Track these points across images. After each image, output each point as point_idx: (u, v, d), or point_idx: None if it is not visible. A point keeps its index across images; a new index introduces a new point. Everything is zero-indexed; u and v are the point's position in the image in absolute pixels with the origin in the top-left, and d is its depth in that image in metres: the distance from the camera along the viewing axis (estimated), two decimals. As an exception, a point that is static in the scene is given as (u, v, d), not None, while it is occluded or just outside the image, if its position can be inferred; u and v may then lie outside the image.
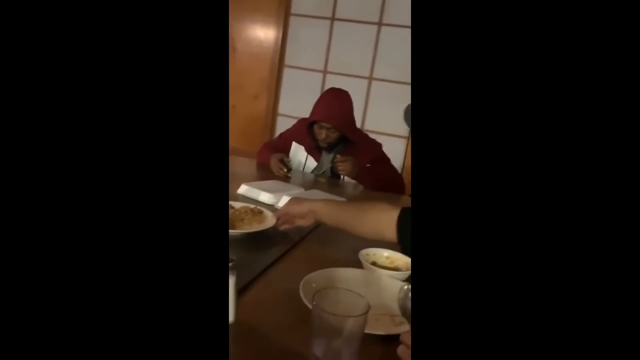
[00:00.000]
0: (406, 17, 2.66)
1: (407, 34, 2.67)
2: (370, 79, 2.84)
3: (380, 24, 2.75)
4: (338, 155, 1.76)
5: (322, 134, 1.80)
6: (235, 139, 2.90)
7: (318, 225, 1.16)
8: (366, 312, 0.58)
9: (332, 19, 2.81)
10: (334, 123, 1.76)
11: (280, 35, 2.87)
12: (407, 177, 2.18)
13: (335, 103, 1.79)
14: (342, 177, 1.85)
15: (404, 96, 2.79)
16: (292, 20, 2.87)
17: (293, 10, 2.84)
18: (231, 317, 0.67)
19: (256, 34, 2.82)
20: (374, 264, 0.95)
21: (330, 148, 1.86)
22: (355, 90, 1.99)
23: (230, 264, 0.64)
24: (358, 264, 0.95)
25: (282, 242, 1.06)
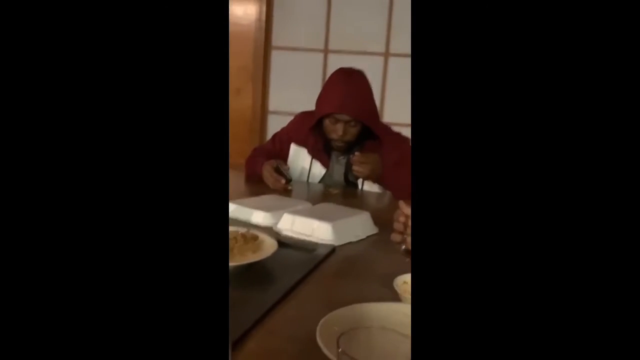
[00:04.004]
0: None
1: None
2: (387, 55, 2.87)
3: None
4: (356, 153, 1.79)
5: (339, 129, 1.82)
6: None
7: (333, 250, 1.20)
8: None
9: (330, -16, 2.86)
10: (354, 114, 1.79)
11: (264, 7, 2.96)
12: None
13: (352, 87, 1.81)
14: (360, 185, 1.92)
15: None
16: (280, -10, 2.95)
17: (281, -25, 2.93)
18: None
19: (232, 9, 2.86)
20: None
21: (348, 148, 1.89)
22: (368, 72, 2.00)
23: None
24: (393, 297, 0.95)
25: (287, 274, 1.06)
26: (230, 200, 1.46)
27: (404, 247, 1.09)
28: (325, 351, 0.72)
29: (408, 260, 1.04)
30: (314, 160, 1.99)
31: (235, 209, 1.45)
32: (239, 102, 3.08)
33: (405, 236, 1.08)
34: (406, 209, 1.07)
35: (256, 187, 1.84)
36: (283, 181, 1.80)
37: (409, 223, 1.06)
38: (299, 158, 2.01)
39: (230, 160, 1.75)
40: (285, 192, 1.79)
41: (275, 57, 3.10)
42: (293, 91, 3.06)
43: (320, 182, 2.00)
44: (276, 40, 3.08)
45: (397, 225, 1.10)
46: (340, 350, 0.58)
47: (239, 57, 2.98)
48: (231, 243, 1.15)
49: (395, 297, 0.95)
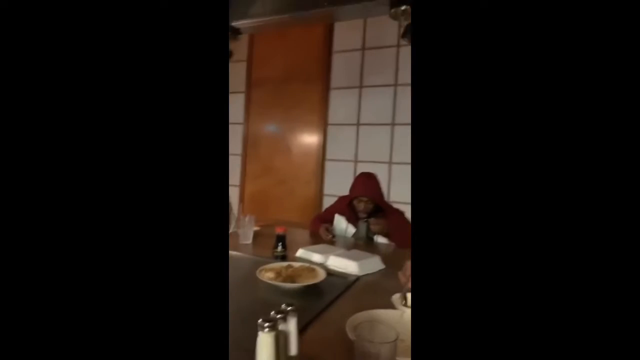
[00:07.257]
0: (407, 119, 3.70)
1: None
2: (390, 163, 3.88)
3: (393, 124, 4.01)
4: (372, 219, 2.35)
5: (361, 205, 2.38)
6: (294, 215, 4.18)
7: (357, 279, 1.53)
8: (396, 340, 0.72)
9: (358, 124, 4.21)
10: (369, 196, 2.36)
11: (322, 138, 4.33)
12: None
13: (369, 182, 2.39)
14: (375, 239, 2.40)
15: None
16: (330, 128, 4.36)
17: (330, 120, 4.33)
18: (294, 351, 0.79)
19: (305, 138, 4.31)
20: (405, 304, 1.19)
21: (367, 216, 2.40)
22: (380, 172, 2.91)
23: (292, 308, 0.79)
24: (392, 306, 1.19)
25: (332, 291, 1.34)
26: (300, 247, 1.88)
27: (405, 288, 1.21)
28: (350, 334, 0.92)
29: (406, 291, 1.21)
30: (349, 224, 2.45)
31: (303, 253, 1.83)
32: (308, 189, 4.23)
33: (407, 282, 1.20)
34: (408, 270, 1.19)
35: (315, 239, 2.29)
36: (330, 236, 2.31)
37: (409, 275, 1.18)
38: (340, 223, 2.47)
39: (302, 223, 3.27)
40: (332, 243, 2.16)
41: (328, 165, 4.25)
42: (337, 184, 4.06)
43: (352, 237, 2.41)
44: (329, 155, 4.25)
45: (402, 277, 1.22)
46: (356, 334, 0.73)
47: (309, 164, 4.25)
48: (300, 272, 1.46)
49: (393, 307, 1.17)
